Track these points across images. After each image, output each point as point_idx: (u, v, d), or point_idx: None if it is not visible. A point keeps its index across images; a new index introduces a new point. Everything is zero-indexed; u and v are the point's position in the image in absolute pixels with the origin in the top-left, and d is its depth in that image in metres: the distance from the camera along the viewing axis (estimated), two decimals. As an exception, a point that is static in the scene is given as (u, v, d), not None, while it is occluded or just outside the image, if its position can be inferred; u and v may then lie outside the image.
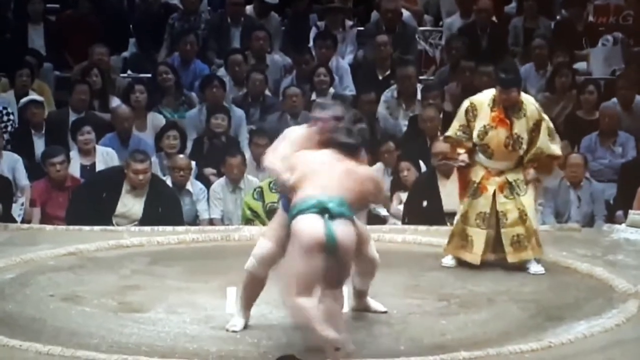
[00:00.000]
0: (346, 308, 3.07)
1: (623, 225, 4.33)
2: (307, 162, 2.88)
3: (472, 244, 3.71)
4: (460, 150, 3.73)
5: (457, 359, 2.90)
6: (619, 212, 4.60)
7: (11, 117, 4.97)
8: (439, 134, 4.74)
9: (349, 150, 2.90)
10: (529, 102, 3.72)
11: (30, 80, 5.17)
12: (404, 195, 4.62)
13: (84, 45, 5.44)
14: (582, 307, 3.36)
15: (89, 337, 3.07)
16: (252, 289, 3.08)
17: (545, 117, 3.73)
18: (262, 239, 3.06)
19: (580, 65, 5.67)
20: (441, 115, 4.98)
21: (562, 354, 2.96)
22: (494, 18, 5.83)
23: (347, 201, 2.81)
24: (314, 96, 5.25)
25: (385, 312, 3.25)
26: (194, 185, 4.67)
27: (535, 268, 3.71)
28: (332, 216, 2.77)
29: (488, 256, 3.73)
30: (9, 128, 4.94)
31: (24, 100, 4.97)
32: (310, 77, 5.25)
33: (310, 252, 2.75)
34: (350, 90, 5.44)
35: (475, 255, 3.72)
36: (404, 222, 4.45)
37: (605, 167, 4.98)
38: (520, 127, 3.65)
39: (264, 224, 4.42)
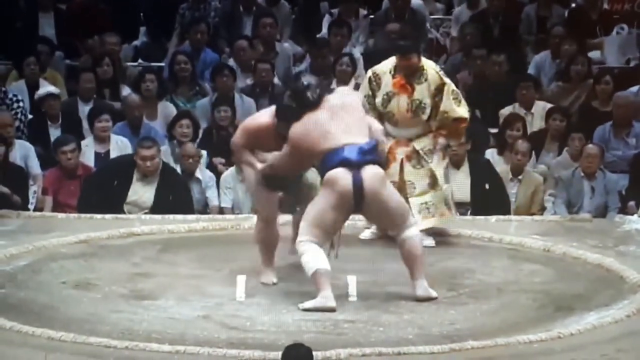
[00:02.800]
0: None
1: (635, 216, 4.30)
2: None
3: None
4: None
5: (465, 348, 2.91)
6: (631, 203, 4.56)
7: (20, 104, 4.98)
8: None
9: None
10: (430, 67, 3.73)
11: (39, 69, 5.18)
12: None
13: (95, 34, 5.45)
14: (592, 298, 3.34)
15: (101, 324, 3.10)
16: None
17: (448, 80, 3.72)
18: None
19: (594, 54, 5.60)
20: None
21: (571, 345, 2.96)
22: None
23: None
24: (334, 84, 5.23)
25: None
26: (203, 173, 4.68)
27: (426, 241, 3.68)
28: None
29: None
30: (19, 115, 4.97)
31: (41, 92, 4.98)
32: (333, 65, 5.20)
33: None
34: (362, 79, 5.41)
35: None
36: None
37: (618, 159, 4.93)
38: (422, 92, 3.67)
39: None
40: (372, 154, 3.21)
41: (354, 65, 5.21)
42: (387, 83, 3.69)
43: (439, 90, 3.68)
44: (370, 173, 3.19)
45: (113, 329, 3.06)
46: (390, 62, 3.76)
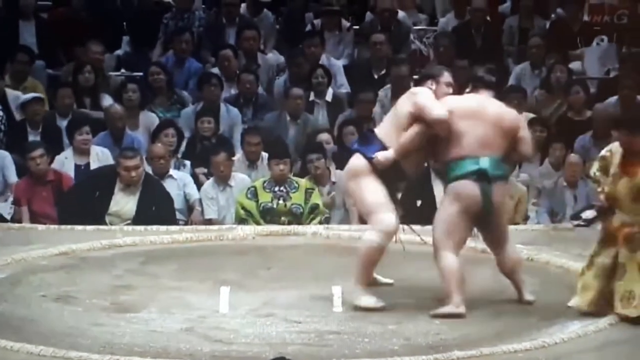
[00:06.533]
0: None
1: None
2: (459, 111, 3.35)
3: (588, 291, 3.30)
4: (599, 189, 3.31)
5: (451, 358, 2.91)
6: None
7: (0, 112, 4.90)
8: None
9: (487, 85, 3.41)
10: None
11: (21, 78, 5.10)
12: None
13: (77, 43, 5.41)
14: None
15: (82, 337, 3.06)
16: (375, 263, 3.32)
17: None
18: (384, 213, 3.29)
19: (575, 65, 5.67)
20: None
21: (556, 354, 2.97)
22: (488, 17, 5.84)
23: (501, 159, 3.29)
24: (312, 96, 5.23)
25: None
26: (176, 172, 4.63)
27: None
28: (490, 181, 3.25)
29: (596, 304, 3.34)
30: (0, 125, 4.91)
31: (27, 97, 4.91)
32: (308, 77, 5.22)
33: (467, 213, 3.26)
34: (345, 88, 5.42)
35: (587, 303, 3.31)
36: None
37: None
38: None
39: (258, 223, 4.40)
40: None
41: (328, 77, 5.22)
42: (617, 162, 3.29)
43: None
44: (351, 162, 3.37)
45: (94, 342, 3.02)
46: None
